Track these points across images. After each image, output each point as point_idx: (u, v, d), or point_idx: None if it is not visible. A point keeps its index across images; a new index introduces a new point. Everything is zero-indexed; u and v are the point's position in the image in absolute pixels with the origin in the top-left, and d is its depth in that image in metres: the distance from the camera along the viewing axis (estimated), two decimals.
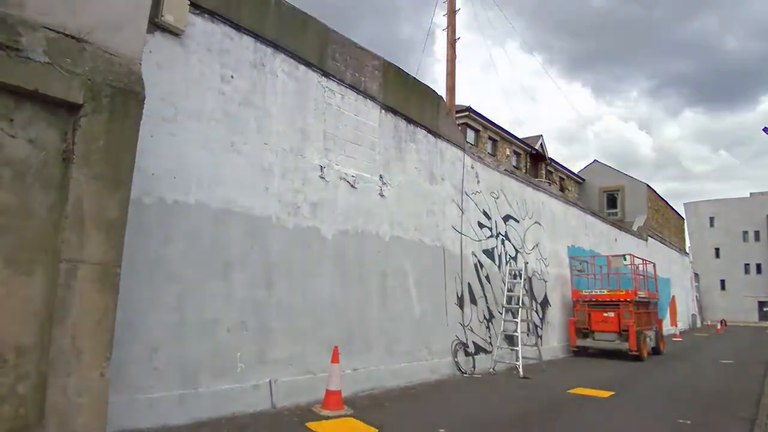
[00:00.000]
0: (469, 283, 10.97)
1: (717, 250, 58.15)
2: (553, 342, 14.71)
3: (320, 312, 7.36)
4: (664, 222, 33.39)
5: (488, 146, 21.64)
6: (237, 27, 6.64)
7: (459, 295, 10.54)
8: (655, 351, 15.39)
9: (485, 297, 11.52)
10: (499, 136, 22.41)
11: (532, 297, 13.71)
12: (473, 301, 11.04)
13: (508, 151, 23.06)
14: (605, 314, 14.31)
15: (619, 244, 21.77)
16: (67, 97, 3.52)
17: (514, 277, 12.21)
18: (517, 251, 13.35)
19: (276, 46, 7.16)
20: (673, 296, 30.36)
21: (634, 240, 24.66)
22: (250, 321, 6.37)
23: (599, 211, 25.99)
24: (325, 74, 7.97)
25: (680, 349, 18.23)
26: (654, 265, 18.23)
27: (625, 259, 16.09)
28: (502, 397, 8.15)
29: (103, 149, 3.67)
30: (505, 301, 11.80)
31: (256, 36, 6.89)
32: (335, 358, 6.51)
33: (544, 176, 25.44)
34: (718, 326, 35.44)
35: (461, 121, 19.32)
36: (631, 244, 23.77)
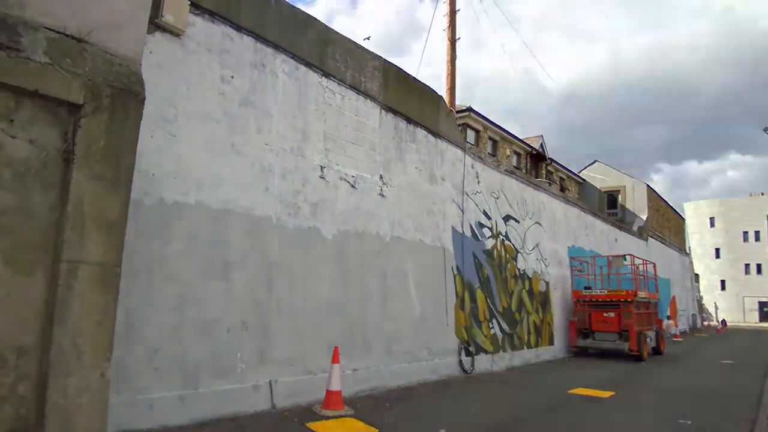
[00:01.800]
0: (469, 283, 10.96)
1: (717, 250, 58.14)
2: (555, 341, 14.71)
3: (320, 312, 7.36)
4: (664, 222, 33.36)
5: (489, 146, 21.62)
6: (237, 27, 6.64)
7: (459, 296, 10.54)
8: (656, 351, 15.48)
9: (485, 297, 11.51)
10: (499, 136, 22.39)
11: (532, 298, 13.72)
12: (473, 301, 11.03)
13: (508, 151, 23.03)
14: (606, 314, 14.41)
15: (620, 245, 21.77)
16: (68, 98, 3.52)
17: (515, 279, 12.21)
18: (517, 251, 13.35)
19: (276, 47, 7.16)
20: (674, 296, 30.34)
21: (635, 240, 24.65)
22: (250, 321, 6.37)
23: (599, 211, 25.97)
24: (326, 75, 7.97)
25: (680, 350, 18.22)
26: (654, 266, 18.22)
27: (625, 260, 16.12)
28: (502, 397, 8.15)
29: (103, 149, 3.67)
30: (503, 303, 11.79)
31: (257, 36, 6.89)
32: (335, 359, 6.51)
33: (544, 176, 25.42)
34: (719, 326, 35.45)
35: (462, 121, 19.29)
36: (632, 245, 23.75)
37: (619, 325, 14.07)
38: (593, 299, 14.91)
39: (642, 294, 15.17)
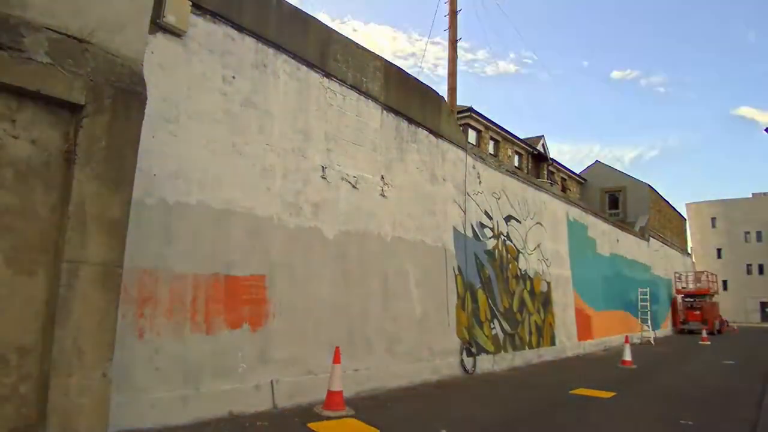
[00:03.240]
0: (471, 284, 10.96)
1: (719, 250, 58.01)
2: (564, 340, 14.72)
3: (322, 312, 7.36)
4: (665, 222, 33.30)
5: (490, 146, 21.62)
6: (239, 28, 6.64)
7: (461, 296, 10.53)
8: (719, 331, 28.01)
9: (487, 297, 11.51)
10: (501, 136, 22.39)
11: (533, 298, 13.71)
12: (475, 301, 11.03)
13: (509, 152, 23.03)
14: (695, 313, 28.17)
15: (621, 245, 21.74)
16: (69, 98, 3.53)
17: (517, 279, 12.20)
18: (518, 252, 13.34)
19: (278, 47, 7.17)
20: (675, 297, 30.28)
21: (636, 240, 24.61)
22: (251, 321, 6.37)
23: (601, 211, 25.94)
24: (327, 75, 7.97)
25: (683, 351, 18.19)
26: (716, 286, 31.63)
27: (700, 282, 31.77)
28: (504, 398, 8.15)
29: (105, 150, 3.68)
30: (505, 304, 11.78)
31: (258, 37, 6.90)
32: (337, 359, 6.52)
33: (546, 177, 25.40)
34: (735, 327, 35.53)
35: (463, 121, 19.29)
36: (633, 245, 23.71)
37: (702, 318, 27.31)
38: (688, 294, 30.53)
39: (713, 290, 31.65)
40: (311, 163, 7.54)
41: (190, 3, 5.93)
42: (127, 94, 3.85)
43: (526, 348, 12.70)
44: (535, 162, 25.56)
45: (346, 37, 8.48)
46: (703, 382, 10.49)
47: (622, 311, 20.61)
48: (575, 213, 17.70)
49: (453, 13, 13.70)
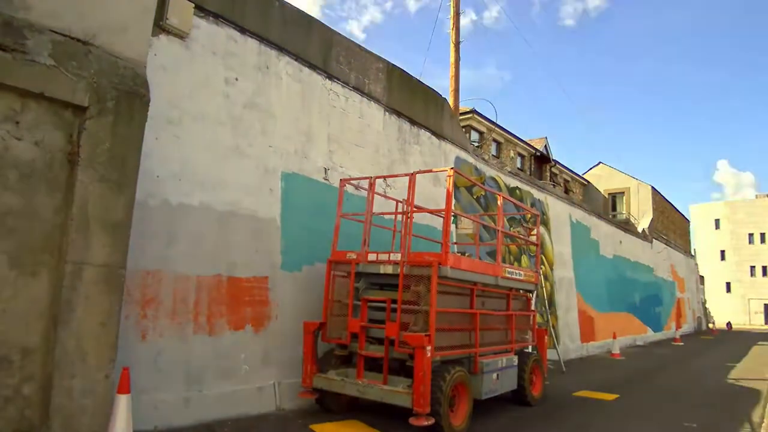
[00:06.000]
0: None
1: (722, 252, 57.81)
2: (567, 342, 14.66)
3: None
4: (669, 224, 33.18)
5: (493, 148, 21.59)
6: (241, 30, 6.65)
7: None
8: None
9: None
10: (503, 137, 22.35)
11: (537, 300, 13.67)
12: None
13: (512, 153, 22.98)
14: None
15: (624, 246, 21.69)
16: (73, 100, 3.54)
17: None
18: (521, 253, 13.31)
19: (280, 49, 7.17)
20: (678, 299, 30.22)
21: (639, 242, 24.54)
22: (254, 322, 6.37)
23: (604, 212, 25.87)
24: (330, 77, 7.98)
25: (684, 352, 18.12)
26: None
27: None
28: (506, 399, 8.11)
29: (108, 151, 3.69)
30: None
31: (261, 38, 6.90)
32: None
33: (548, 178, 25.34)
34: (725, 327, 35.37)
35: (465, 122, 19.26)
36: (636, 247, 23.65)
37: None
38: None
39: None
40: (314, 164, 7.54)
41: (193, 5, 5.94)
42: (130, 95, 3.86)
43: None
44: (538, 163, 25.50)
45: (349, 39, 8.49)
46: (706, 383, 10.40)
47: (625, 313, 20.54)
48: (578, 215, 17.68)
49: (456, 15, 13.71)
